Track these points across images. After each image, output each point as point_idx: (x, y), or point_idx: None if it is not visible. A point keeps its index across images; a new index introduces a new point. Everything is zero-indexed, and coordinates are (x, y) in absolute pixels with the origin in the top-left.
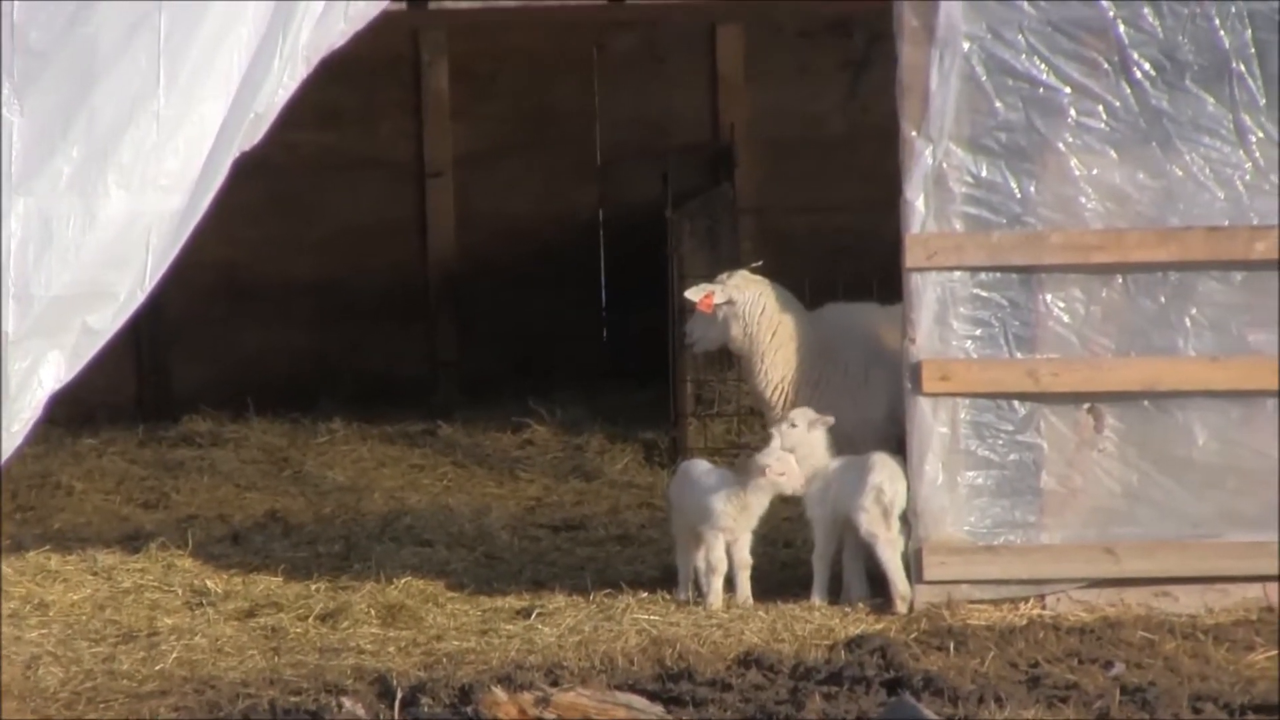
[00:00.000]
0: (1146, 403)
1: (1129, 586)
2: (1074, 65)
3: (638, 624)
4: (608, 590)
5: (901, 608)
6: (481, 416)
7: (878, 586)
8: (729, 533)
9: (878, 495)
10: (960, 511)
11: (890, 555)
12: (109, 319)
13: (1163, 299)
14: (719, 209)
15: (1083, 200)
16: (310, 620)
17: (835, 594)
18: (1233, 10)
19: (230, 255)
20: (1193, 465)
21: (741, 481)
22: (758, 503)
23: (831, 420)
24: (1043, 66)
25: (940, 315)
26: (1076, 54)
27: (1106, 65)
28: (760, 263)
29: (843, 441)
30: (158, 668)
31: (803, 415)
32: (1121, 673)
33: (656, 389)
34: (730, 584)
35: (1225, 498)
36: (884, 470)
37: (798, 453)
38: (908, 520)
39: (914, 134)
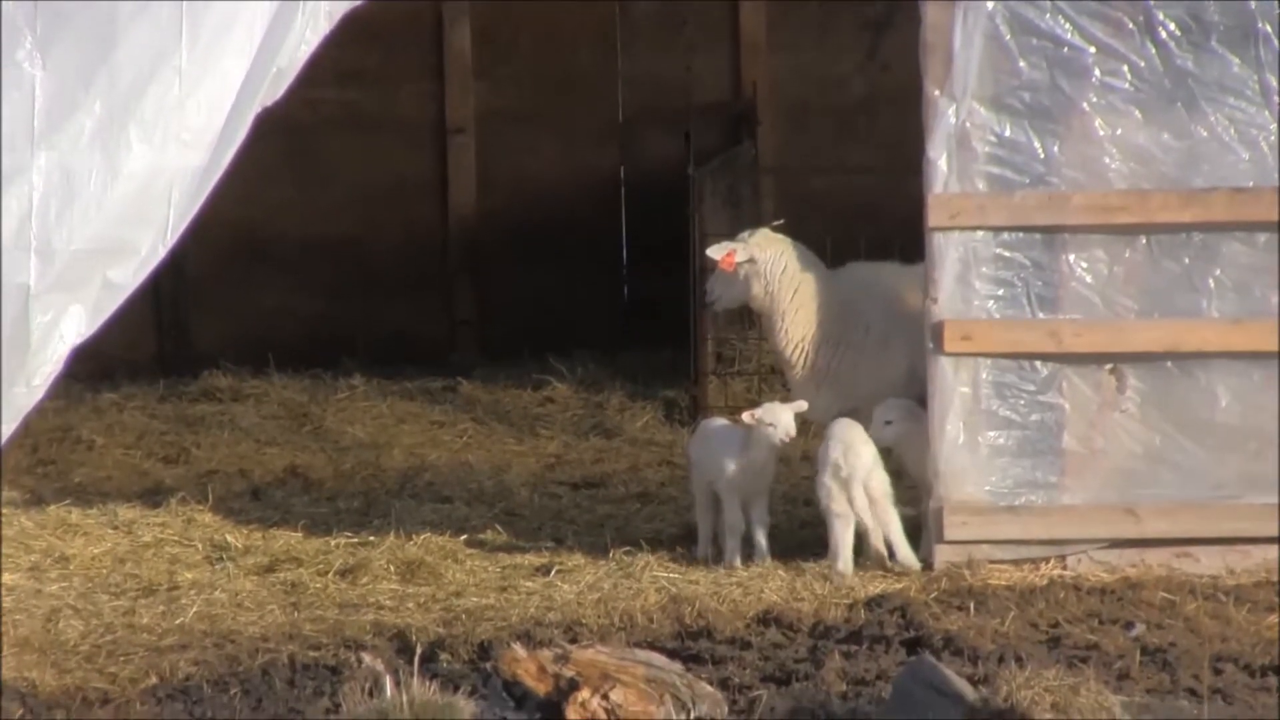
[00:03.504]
0: (1169, 364)
1: (1150, 547)
2: (1099, 25)
3: (657, 582)
4: (627, 548)
5: (837, 581)
6: (501, 374)
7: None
8: (742, 491)
9: (834, 470)
10: (981, 472)
11: (841, 529)
12: (130, 274)
13: (1186, 260)
14: (740, 168)
15: (1106, 161)
16: (330, 576)
17: (856, 554)
18: None
19: (250, 213)
20: (1214, 427)
21: (746, 440)
22: (762, 459)
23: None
24: (1067, 26)
25: (962, 275)
26: (1101, 13)
27: (1131, 25)
28: (782, 221)
29: (864, 401)
30: (177, 622)
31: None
32: (1142, 633)
33: (677, 347)
34: (750, 543)
35: (1247, 460)
36: (840, 444)
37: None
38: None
39: (937, 93)
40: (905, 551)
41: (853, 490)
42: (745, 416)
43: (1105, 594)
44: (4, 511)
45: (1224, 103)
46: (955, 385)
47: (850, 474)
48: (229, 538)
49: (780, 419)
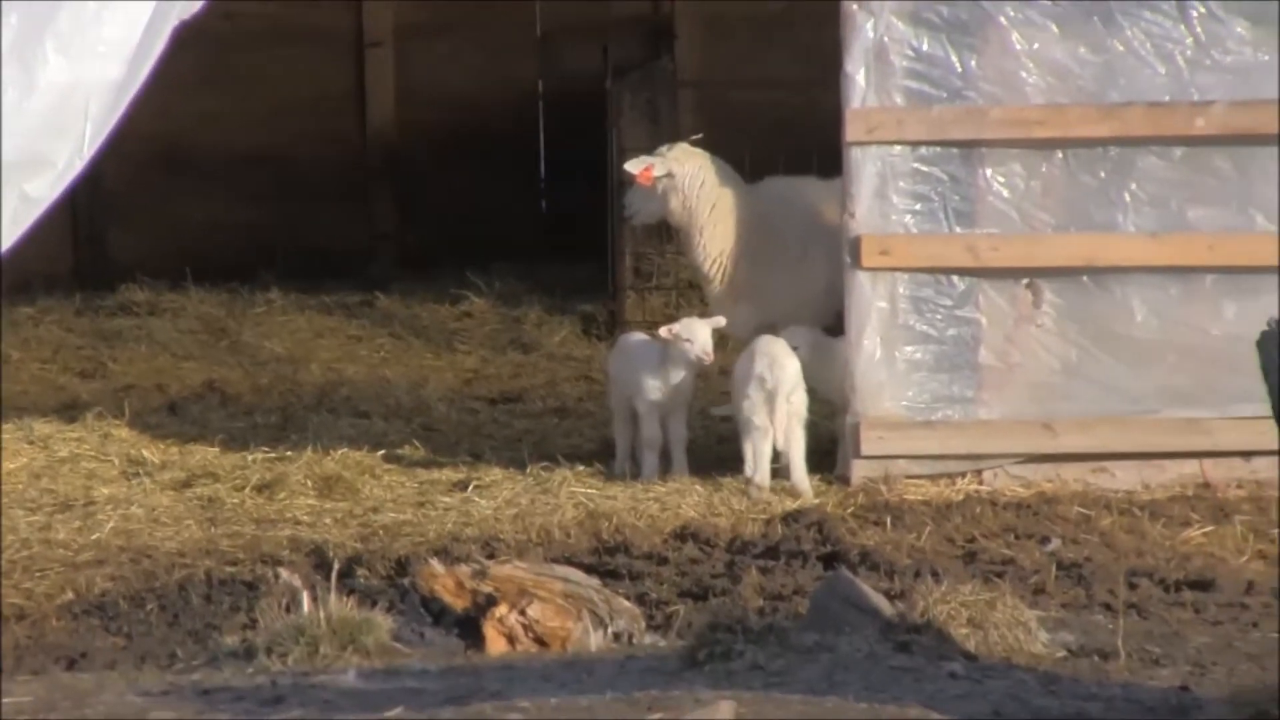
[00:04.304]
0: (1085, 279)
1: (1066, 462)
2: None
3: (575, 497)
4: (545, 463)
5: (754, 496)
6: (419, 289)
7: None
8: (661, 407)
9: (759, 383)
10: (898, 386)
11: (760, 442)
12: (47, 187)
13: (1103, 175)
14: (659, 82)
15: (1024, 75)
16: (247, 491)
17: (773, 469)
18: None
19: (168, 126)
20: (1131, 341)
21: (664, 355)
22: (680, 375)
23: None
24: None
25: (880, 190)
26: None
27: None
28: (700, 136)
29: (782, 316)
30: (94, 537)
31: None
32: (1057, 548)
33: (595, 262)
34: (667, 458)
35: (1163, 374)
36: (766, 357)
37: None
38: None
39: (855, 7)
40: (801, 475)
41: (775, 404)
42: (663, 332)
43: (1021, 509)
44: None
45: (1140, 17)
46: (873, 300)
47: (775, 387)
48: (146, 453)
49: (698, 335)
